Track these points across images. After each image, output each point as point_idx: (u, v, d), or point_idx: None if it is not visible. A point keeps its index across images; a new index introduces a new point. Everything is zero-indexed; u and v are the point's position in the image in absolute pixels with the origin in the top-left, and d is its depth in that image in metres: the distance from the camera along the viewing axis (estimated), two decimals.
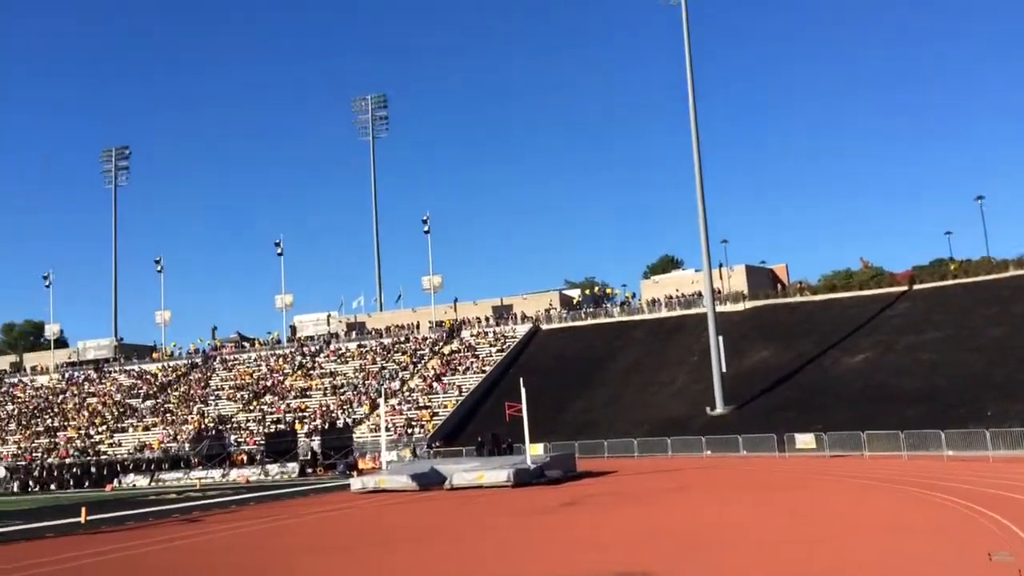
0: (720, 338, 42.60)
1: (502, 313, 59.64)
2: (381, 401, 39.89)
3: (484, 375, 50.78)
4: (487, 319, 59.53)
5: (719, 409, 40.97)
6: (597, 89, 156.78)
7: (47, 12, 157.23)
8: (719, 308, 46.63)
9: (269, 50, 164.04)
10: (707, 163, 78.77)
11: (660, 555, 12.06)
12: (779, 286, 58.51)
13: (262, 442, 46.78)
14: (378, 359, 57.81)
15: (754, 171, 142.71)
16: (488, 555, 13.46)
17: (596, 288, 69.63)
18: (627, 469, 31.49)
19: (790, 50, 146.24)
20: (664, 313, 53.76)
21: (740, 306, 51.54)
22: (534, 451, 32.31)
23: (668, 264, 79.55)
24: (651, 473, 28.93)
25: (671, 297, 55.35)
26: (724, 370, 41.93)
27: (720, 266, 55.70)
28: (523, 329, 56.14)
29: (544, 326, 56.74)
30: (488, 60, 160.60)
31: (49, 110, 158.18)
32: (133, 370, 66.18)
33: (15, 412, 62.33)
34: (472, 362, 53.08)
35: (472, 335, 57.57)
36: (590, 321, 55.99)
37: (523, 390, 29.58)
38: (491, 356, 53.32)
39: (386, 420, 36.44)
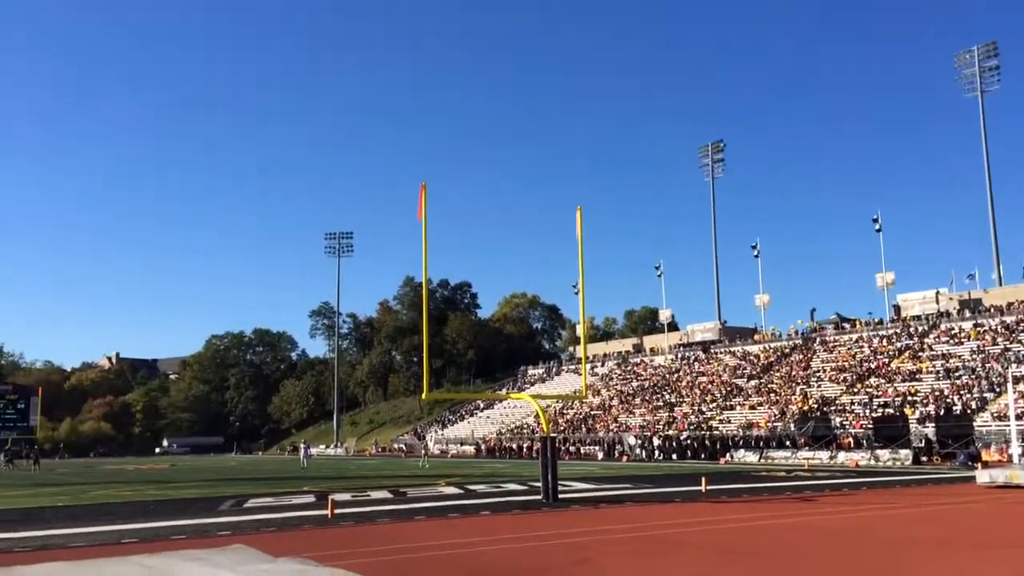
0: None
1: None
2: (1009, 387, 34.98)
3: None
4: None
5: None
6: None
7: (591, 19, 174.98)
8: None
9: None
10: None
11: None
12: None
13: (869, 426, 44.93)
14: (999, 340, 51.03)
15: None
16: None
17: None
18: None
19: None
20: None
21: None
22: None
23: None
24: None
25: None
26: None
27: None
28: None
29: None
30: None
31: (653, 115, 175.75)
32: (737, 351, 69.54)
33: (639, 388, 70.34)
34: None
35: None
36: None
37: None
38: None
39: (1016, 408, 31.80)
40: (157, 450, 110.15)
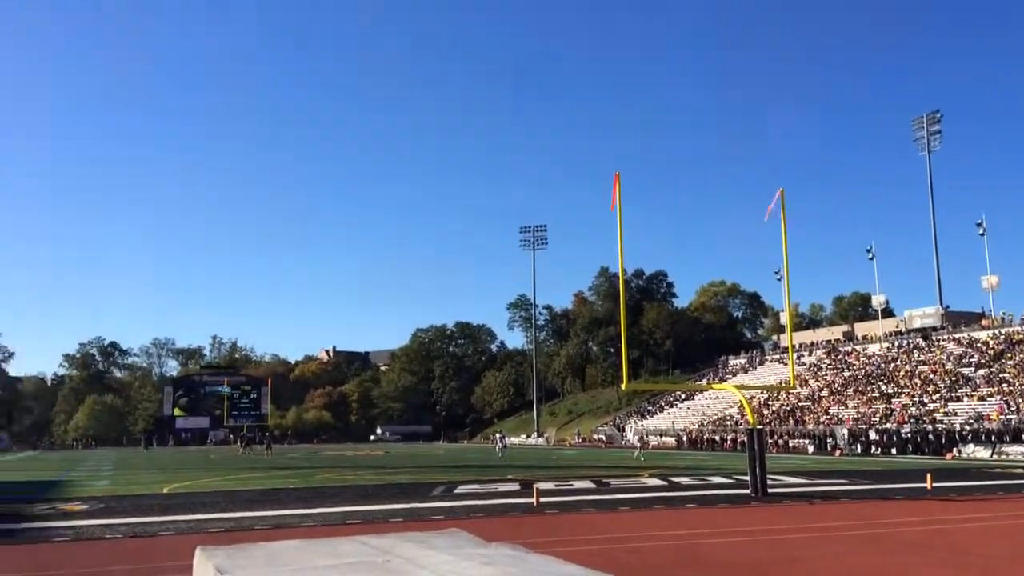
0: None
1: None
2: None
3: None
4: None
5: None
6: None
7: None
8: None
9: None
10: None
11: None
12: None
13: None
14: None
15: None
16: None
17: None
18: None
19: None
20: None
21: None
22: None
23: None
24: None
25: None
26: None
27: None
28: None
29: None
30: None
31: (859, 89, 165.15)
32: (962, 338, 64.01)
33: (851, 378, 66.44)
34: None
35: None
36: None
37: None
38: None
39: None
40: (372, 437, 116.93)
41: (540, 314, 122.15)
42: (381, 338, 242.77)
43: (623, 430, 79.54)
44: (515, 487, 23.45)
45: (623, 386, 24.60)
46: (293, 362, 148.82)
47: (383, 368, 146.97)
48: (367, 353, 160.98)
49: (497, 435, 57.43)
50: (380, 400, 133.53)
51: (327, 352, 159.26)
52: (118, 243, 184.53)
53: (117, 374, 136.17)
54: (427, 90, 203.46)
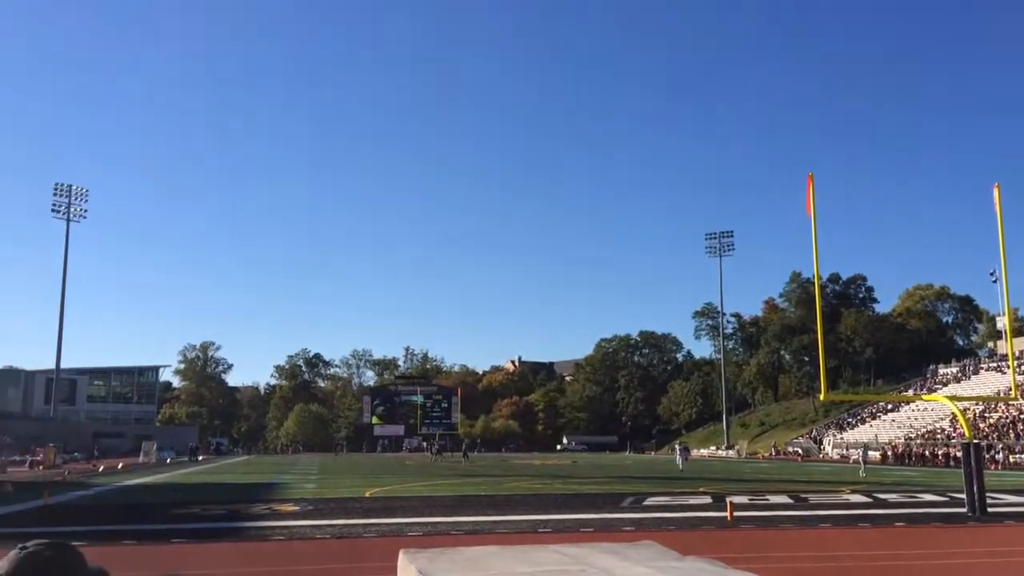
0: None
1: None
2: None
3: None
4: None
5: None
6: None
7: None
8: None
9: None
10: None
11: None
12: None
13: None
14: None
15: None
16: None
17: None
18: None
19: None
20: None
21: None
22: None
23: None
24: None
25: None
26: None
27: None
28: None
29: None
30: None
31: None
32: None
33: None
34: None
35: None
36: None
37: None
38: None
39: None
40: (558, 447, 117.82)
41: (728, 322, 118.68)
42: (565, 348, 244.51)
43: (820, 443, 75.66)
44: (707, 500, 22.85)
45: (820, 396, 23.41)
46: (481, 372, 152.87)
47: (568, 378, 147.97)
48: (552, 363, 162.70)
49: (678, 446, 56.11)
50: (566, 410, 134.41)
51: (513, 362, 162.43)
52: (322, 265, 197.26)
53: (321, 384, 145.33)
54: (612, 98, 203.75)
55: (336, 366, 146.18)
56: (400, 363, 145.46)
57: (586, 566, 6.78)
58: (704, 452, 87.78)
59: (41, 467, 49.87)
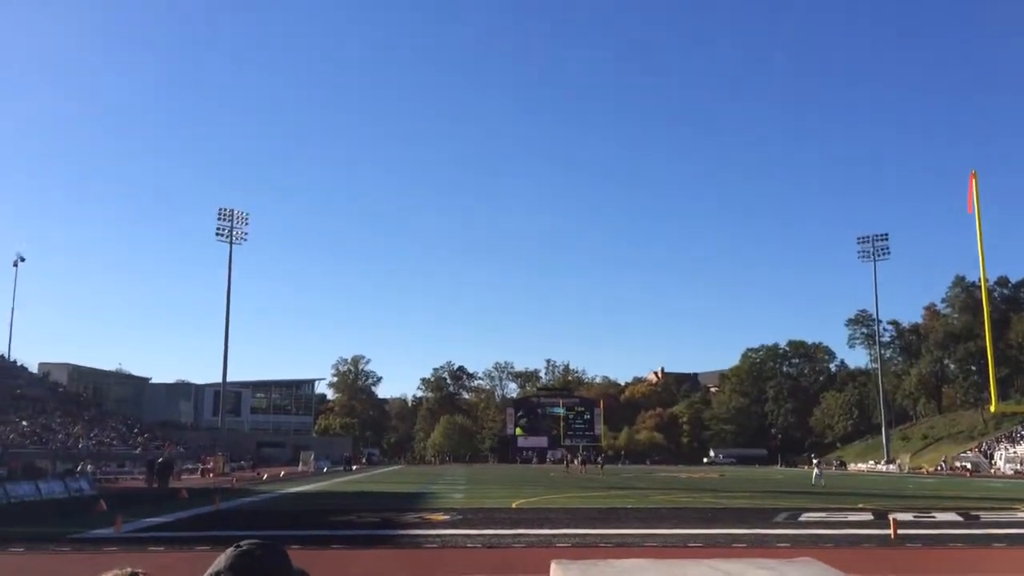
0: None
1: None
2: None
3: None
4: None
5: None
6: None
7: None
8: None
9: None
10: None
11: None
12: None
13: None
14: None
15: None
16: None
17: None
18: None
19: None
20: None
21: None
22: None
23: None
24: None
25: None
26: None
27: None
28: None
29: None
30: None
31: None
32: None
33: None
34: None
35: None
36: None
37: None
38: None
39: None
40: (705, 460, 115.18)
41: (885, 330, 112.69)
42: (710, 359, 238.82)
43: (991, 457, 70.57)
44: (867, 517, 21.80)
45: (991, 408, 21.93)
46: (623, 384, 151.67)
47: (713, 389, 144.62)
48: (696, 374, 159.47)
49: (814, 462, 53.44)
50: (711, 422, 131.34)
51: (655, 374, 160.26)
52: (464, 279, 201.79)
53: (465, 396, 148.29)
54: (754, 94, 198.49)
55: (479, 378, 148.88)
56: (542, 375, 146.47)
57: None
58: (862, 466, 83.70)
59: (211, 475, 53.28)
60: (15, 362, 62.95)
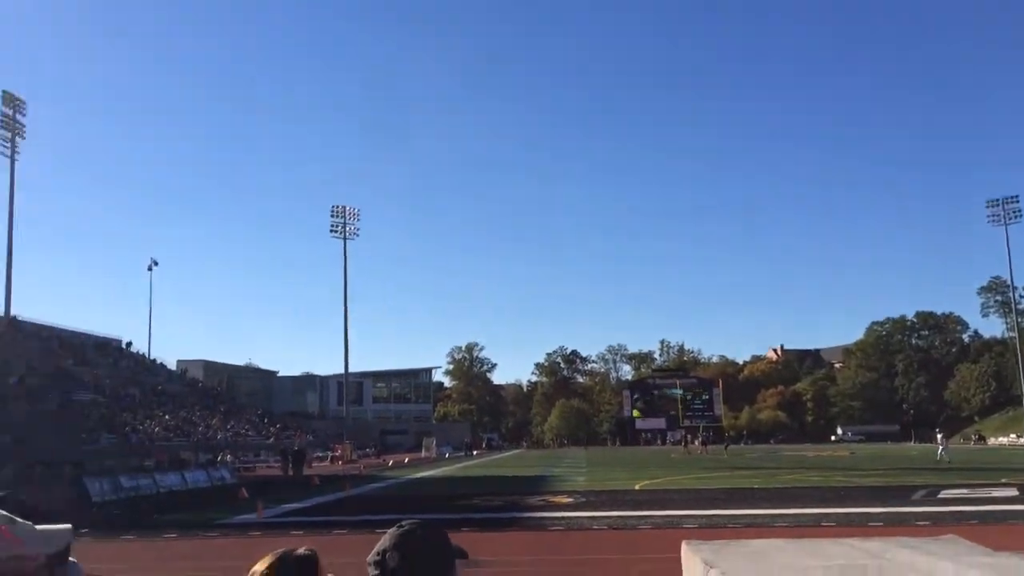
0: None
1: None
2: None
3: None
4: None
5: None
6: None
7: None
8: None
9: None
10: None
11: None
12: None
13: None
14: None
15: None
16: None
17: None
18: None
19: None
20: None
21: None
22: None
23: None
24: None
25: None
26: None
27: None
28: None
29: None
30: None
31: None
32: None
33: None
34: None
35: None
36: None
37: None
38: None
39: None
40: (832, 438, 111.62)
41: (1021, 296, 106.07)
42: (831, 334, 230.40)
43: None
44: (1012, 492, 20.72)
45: None
46: (741, 362, 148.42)
47: (837, 365, 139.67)
48: (818, 350, 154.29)
49: (939, 436, 49.94)
50: (837, 399, 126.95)
51: (775, 351, 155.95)
52: (575, 264, 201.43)
53: (579, 379, 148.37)
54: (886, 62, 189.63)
55: (593, 361, 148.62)
56: (656, 356, 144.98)
57: (882, 560, 6.50)
58: (1003, 440, 79.31)
59: (340, 462, 55.35)
60: (155, 360, 66.82)
